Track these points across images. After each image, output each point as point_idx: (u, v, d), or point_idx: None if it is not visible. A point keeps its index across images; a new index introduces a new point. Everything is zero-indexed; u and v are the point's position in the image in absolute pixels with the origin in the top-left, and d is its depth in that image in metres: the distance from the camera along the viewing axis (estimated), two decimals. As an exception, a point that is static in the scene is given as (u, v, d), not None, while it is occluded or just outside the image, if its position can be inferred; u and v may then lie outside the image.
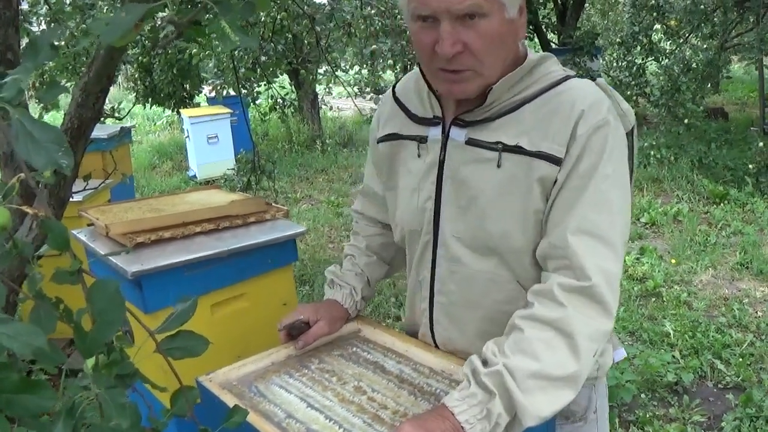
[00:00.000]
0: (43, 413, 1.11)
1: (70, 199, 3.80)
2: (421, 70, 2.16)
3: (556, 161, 1.92)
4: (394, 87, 2.42)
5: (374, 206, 2.59)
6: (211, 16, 1.16)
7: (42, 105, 10.16)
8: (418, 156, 2.23)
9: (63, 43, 8.60)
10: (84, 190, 5.05)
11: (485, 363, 1.84)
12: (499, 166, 2.00)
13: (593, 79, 2.09)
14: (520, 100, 2.02)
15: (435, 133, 2.18)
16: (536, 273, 2.04)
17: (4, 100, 1.10)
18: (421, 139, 2.21)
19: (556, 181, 1.93)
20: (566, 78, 2.03)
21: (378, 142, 2.40)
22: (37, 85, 7.82)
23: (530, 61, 2.03)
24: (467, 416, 1.74)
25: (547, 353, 1.80)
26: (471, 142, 2.07)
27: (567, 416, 2.23)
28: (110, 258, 2.91)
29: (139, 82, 15.72)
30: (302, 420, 1.98)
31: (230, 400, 2.04)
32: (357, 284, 2.53)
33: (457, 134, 2.11)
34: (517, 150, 1.97)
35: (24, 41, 4.14)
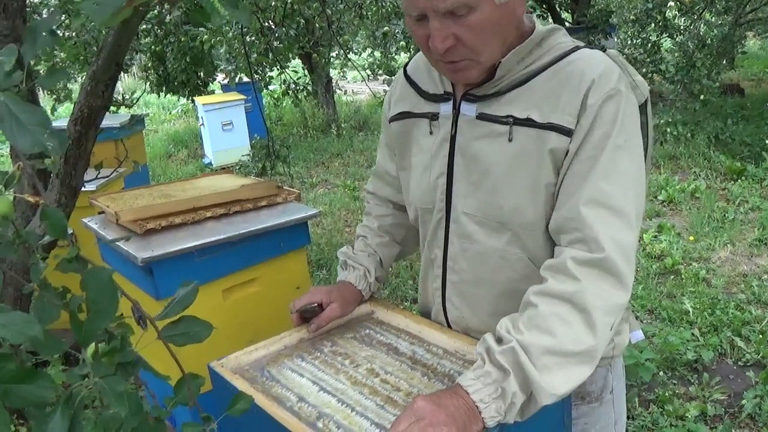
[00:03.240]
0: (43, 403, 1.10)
1: (83, 188, 3.79)
2: None
3: (566, 132, 1.89)
4: (405, 66, 2.39)
5: (387, 186, 2.57)
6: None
7: (54, 97, 10.22)
8: (430, 133, 2.21)
9: (74, 33, 8.60)
10: (96, 178, 5.05)
11: (499, 341, 1.81)
12: (510, 140, 1.98)
13: (603, 49, 2.05)
14: (529, 73, 1.99)
15: (446, 109, 2.16)
16: (550, 249, 2.01)
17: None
18: (433, 116, 2.20)
19: (567, 153, 1.90)
20: (576, 48, 1.99)
21: (390, 122, 2.39)
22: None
23: (539, 32, 2.00)
24: (481, 395, 1.72)
25: (562, 328, 1.77)
26: (482, 116, 2.05)
27: (582, 396, 2.22)
28: (119, 245, 2.90)
29: (152, 71, 15.73)
30: (314, 404, 1.96)
31: (242, 385, 2.03)
32: (370, 265, 2.51)
33: (468, 109, 2.08)
34: (528, 123, 1.95)
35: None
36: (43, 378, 1.09)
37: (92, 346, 1.23)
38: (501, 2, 1.83)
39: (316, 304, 2.38)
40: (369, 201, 2.66)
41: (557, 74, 1.95)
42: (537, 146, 1.94)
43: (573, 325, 1.78)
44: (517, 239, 2.03)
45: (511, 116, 1.98)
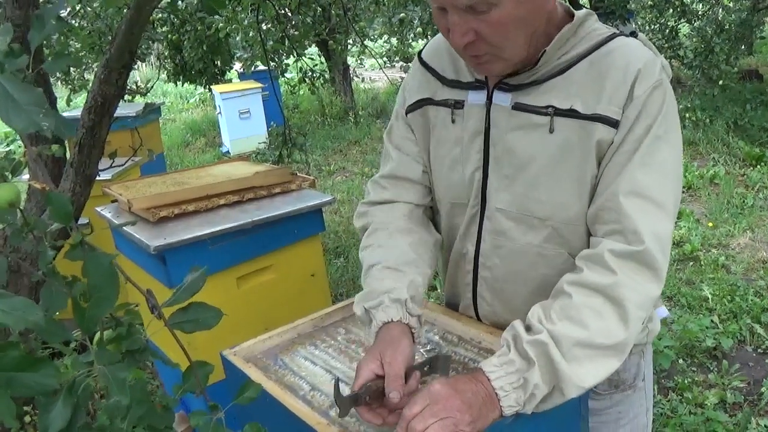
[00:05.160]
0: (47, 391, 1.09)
1: (99, 177, 3.79)
2: None
3: (613, 124, 1.85)
4: (420, 53, 2.31)
5: (411, 192, 2.30)
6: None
7: (70, 87, 10.24)
8: (452, 122, 2.13)
9: (89, 23, 8.62)
10: (111, 167, 5.04)
11: (528, 329, 1.79)
12: (551, 131, 1.92)
13: (635, 34, 2.01)
14: (567, 61, 1.93)
15: (476, 98, 2.08)
16: (587, 242, 1.98)
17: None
18: (456, 104, 2.12)
19: (611, 144, 1.87)
20: (612, 36, 1.94)
21: (407, 113, 2.27)
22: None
23: (578, 18, 1.94)
24: (502, 383, 1.70)
25: (595, 321, 1.75)
26: (518, 106, 1.97)
27: (617, 385, 2.20)
28: (132, 233, 2.90)
29: (169, 60, 15.77)
30: (327, 392, 1.95)
31: (255, 374, 2.01)
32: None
33: (502, 99, 2.01)
34: (571, 114, 1.90)
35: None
36: (47, 366, 1.07)
37: (98, 333, 1.22)
38: None
39: (376, 376, 1.81)
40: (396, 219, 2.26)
41: (597, 63, 1.90)
42: (581, 138, 1.89)
43: (606, 318, 1.77)
44: (556, 235, 1.99)
45: (552, 106, 1.92)
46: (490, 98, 2.04)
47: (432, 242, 2.24)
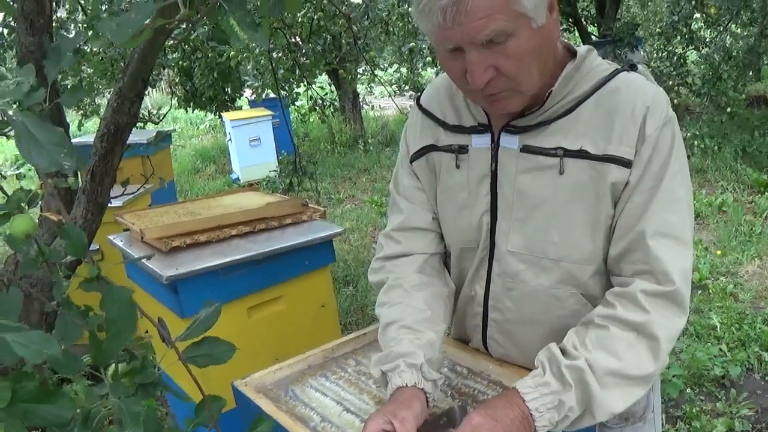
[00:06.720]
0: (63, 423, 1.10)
1: (110, 204, 3.81)
2: None
3: (626, 164, 1.86)
4: (417, 100, 2.30)
5: (424, 242, 2.28)
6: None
7: (81, 112, 10.27)
8: (457, 167, 2.12)
9: (101, 50, 8.66)
10: (123, 195, 5.07)
11: (564, 353, 1.83)
12: (561, 172, 1.92)
13: (635, 67, 2.01)
14: (573, 100, 1.93)
15: (480, 141, 2.07)
16: (599, 281, 2.01)
17: (9, 103, 1.08)
18: (461, 149, 2.11)
19: (627, 184, 1.88)
20: (615, 72, 1.94)
21: (411, 162, 2.26)
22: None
23: (580, 55, 1.94)
24: (537, 404, 1.74)
25: (628, 353, 1.81)
26: (526, 149, 1.97)
27: (626, 418, 2.22)
28: (144, 262, 2.91)
29: (179, 86, 15.81)
30: (338, 424, 1.96)
31: (266, 405, 2.02)
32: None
33: (509, 141, 2.00)
34: (581, 155, 1.90)
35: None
36: (63, 397, 1.08)
37: (112, 365, 1.24)
38: (538, 26, 1.76)
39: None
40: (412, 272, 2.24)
41: (604, 102, 1.90)
42: (593, 179, 1.90)
43: (640, 351, 1.83)
44: (569, 276, 2.00)
45: (561, 148, 1.92)
46: (495, 141, 2.04)
47: (446, 294, 2.23)
